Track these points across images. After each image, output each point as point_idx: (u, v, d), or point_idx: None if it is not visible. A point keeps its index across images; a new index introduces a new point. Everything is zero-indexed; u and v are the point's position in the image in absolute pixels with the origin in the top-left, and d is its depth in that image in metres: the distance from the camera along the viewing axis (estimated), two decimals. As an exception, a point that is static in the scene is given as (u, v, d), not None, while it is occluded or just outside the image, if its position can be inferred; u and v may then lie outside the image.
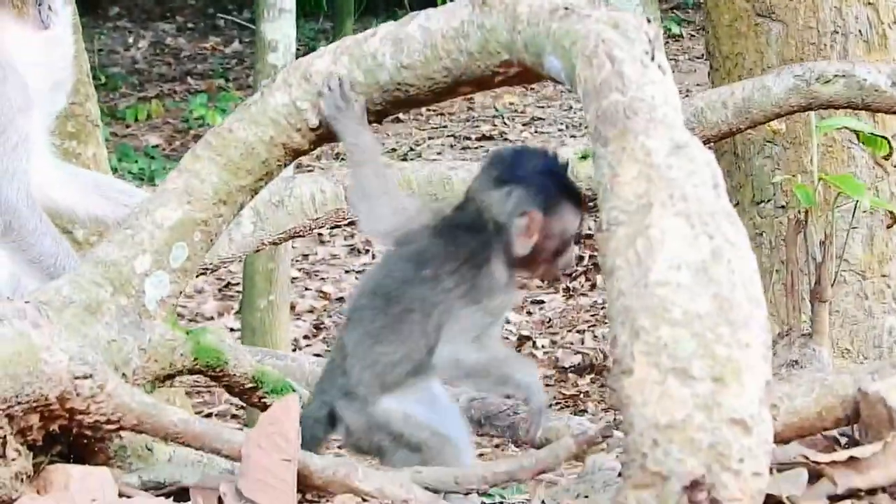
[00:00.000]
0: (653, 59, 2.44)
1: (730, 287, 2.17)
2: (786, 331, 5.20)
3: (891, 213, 4.79)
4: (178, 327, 2.71)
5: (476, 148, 9.26)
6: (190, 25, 15.15)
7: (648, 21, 2.48)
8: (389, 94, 2.73)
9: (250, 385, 2.85)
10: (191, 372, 2.72)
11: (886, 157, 4.97)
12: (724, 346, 2.13)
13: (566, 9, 2.50)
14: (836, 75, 3.53)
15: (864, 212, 5.20)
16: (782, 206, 5.63)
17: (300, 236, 3.93)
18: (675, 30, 11.53)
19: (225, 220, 2.74)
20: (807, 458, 2.67)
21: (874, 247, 5.49)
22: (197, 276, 3.78)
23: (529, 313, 6.82)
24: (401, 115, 10.66)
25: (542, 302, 6.92)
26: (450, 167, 3.69)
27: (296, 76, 2.80)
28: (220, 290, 7.94)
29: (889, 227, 5.07)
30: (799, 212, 4.44)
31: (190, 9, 15.80)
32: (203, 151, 2.77)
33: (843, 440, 3.05)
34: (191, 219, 2.71)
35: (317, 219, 3.79)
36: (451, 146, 9.65)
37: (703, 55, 7.34)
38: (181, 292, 2.77)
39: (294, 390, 2.92)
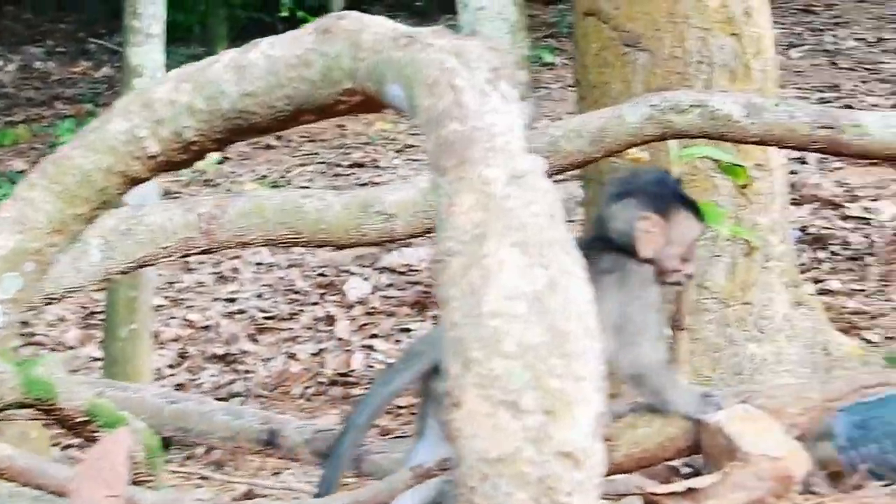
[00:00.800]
0: (495, 87, 2.44)
1: (564, 318, 2.17)
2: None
3: (749, 241, 4.87)
4: (8, 359, 2.66)
5: (348, 175, 9.25)
6: (60, 49, 14.99)
7: (494, 50, 2.49)
8: (231, 122, 2.71)
9: (82, 418, 2.81)
10: (21, 406, 2.68)
11: (744, 186, 5.05)
12: (556, 378, 2.13)
13: (409, 37, 2.50)
14: (691, 105, 3.57)
15: (727, 240, 5.27)
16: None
17: (150, 265, 3.88)
18: (549, 58, 11.62)
19: (60, 250, 2.70)
20: (642, 489, 2.70)
21: (736, 275, 5.55)
22: (47, 305, 3.73)
23: (397, 341, 6.81)
24: (272, 142, 10.62)
25: (410, 330, 6.91)
26: (303, 195, 3.67)
27: (136, 104, 2.77)
28: (83, 318, 7.83)
29: (747, 255, 5.14)
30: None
31: (60, 32, 15.63)
32: (39, 179, 2.73)
33: (687, 470, 3.10)
34: (23, 248, 2.67)
35: (167, 247, 3.75)
36: (323, 173, 9.63)
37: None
38: (17, 323, 2.73)
39: (128, 423, 2.88)
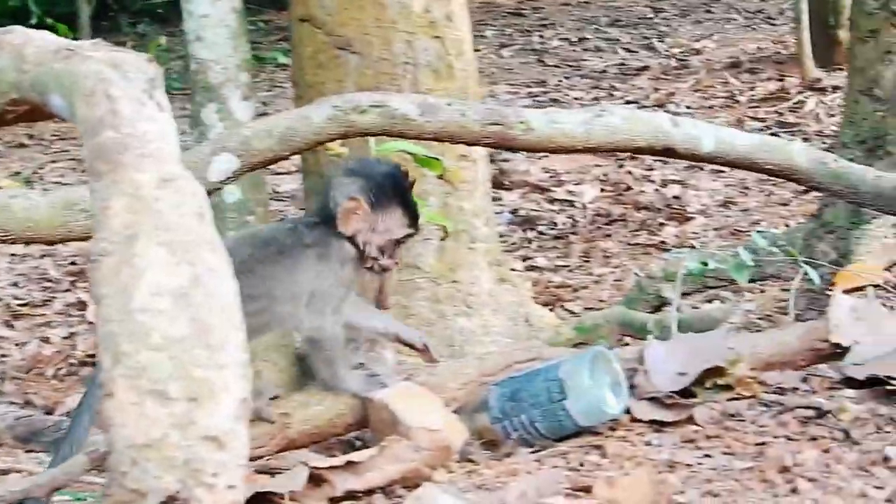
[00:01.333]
0: (151, 97, 2.40)
1: (208, 312, 2.15)
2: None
3: (443, 227, 4.90)
4: None
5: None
6: None
7: (150, 61, 2.44)
8: None
9: None
10: None
11: (440, 176, 5.08)
12: (200, 367, 2.11)
13: (69, 50, 2.44)
14: (371, 105, 3.56)
15: (437, 227, 5.29)
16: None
17: None
18: (283, 59, 11.56)
19: None
20: (307, 463, 2.69)
21: (444, 256, 5.58)
22: None
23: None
24: (25, 141, 10.33)
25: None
26: (10, 195, 3.56)
27: None
28: None
29: (442, 239, 5.17)
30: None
31: None
32: None
33: (359, 444, 3.11)
34: None
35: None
36: (73, 169, 9.38)
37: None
38: None
39: None
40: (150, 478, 2.05)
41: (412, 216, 3.35)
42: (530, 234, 7.60)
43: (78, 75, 2.38)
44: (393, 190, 3.33)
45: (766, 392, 3.31)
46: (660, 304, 5.60)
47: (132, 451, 2.06)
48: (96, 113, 2.33)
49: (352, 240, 3.29)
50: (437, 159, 4.42)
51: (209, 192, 3.63)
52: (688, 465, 2.88)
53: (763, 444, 2.98)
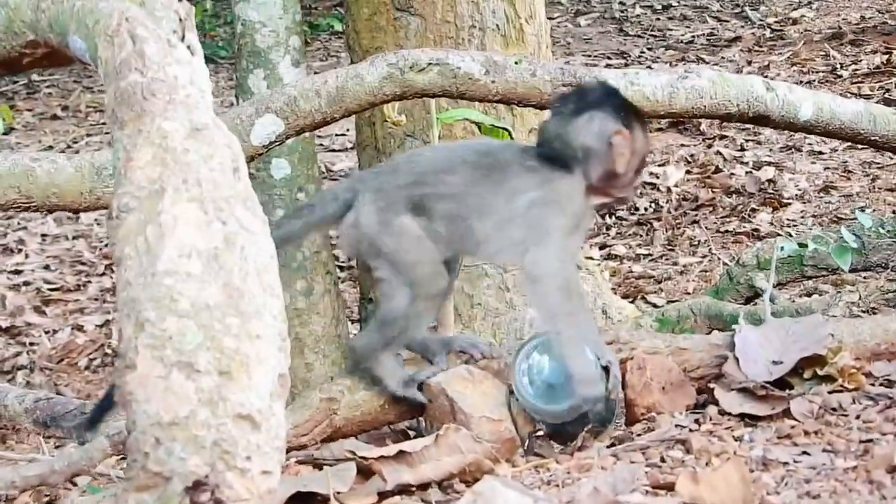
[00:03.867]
0: (182, 38, 2.34)
1: (242, 276, 2.09)
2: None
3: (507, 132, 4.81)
4: None
5: (136, 146, 9.03)
6: None
7: (179, 0, 2.38)
8: (-82, 77, 2.58)
9: None
10: None
11: (508, 150, 5.00)
12: (232, 337, 2.04)
13: (92, -14, 2.39)
14: (429, 63, 3.49)
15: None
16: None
17: None
18: (338, 26, 11.52)
19: None
20: (354, 453, 2.62)
21: (513, 241, 5.52)
22: None
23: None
24: (59, 112, 10.36)
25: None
26: (33, 158, 3.52)
27: None
28: None
29: None
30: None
31: None
32: None
33: (413, 433, 3.04)
34: None
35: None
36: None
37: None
38: None
39: None
40: (175, 459, 1.99)
41: (643, 119, 3.31)
42: (609, 220, 7.51)
43: (100, 13, 2.33)
44: (625, 105, 3.27)
45: (872, 384, 3.22)
46: (752, 296, 5.49)
47: (156, 429, 2.00)
48: (120, 55, 2.28)
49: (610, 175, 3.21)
50: (507, 130, 4.35)
51: (252, 158, 3.59)
52: (783, 463, 2.79)
53: (869, 441, 2.89)
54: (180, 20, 2.34)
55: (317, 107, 3.49)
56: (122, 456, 2.61)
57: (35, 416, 3.34)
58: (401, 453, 2.67)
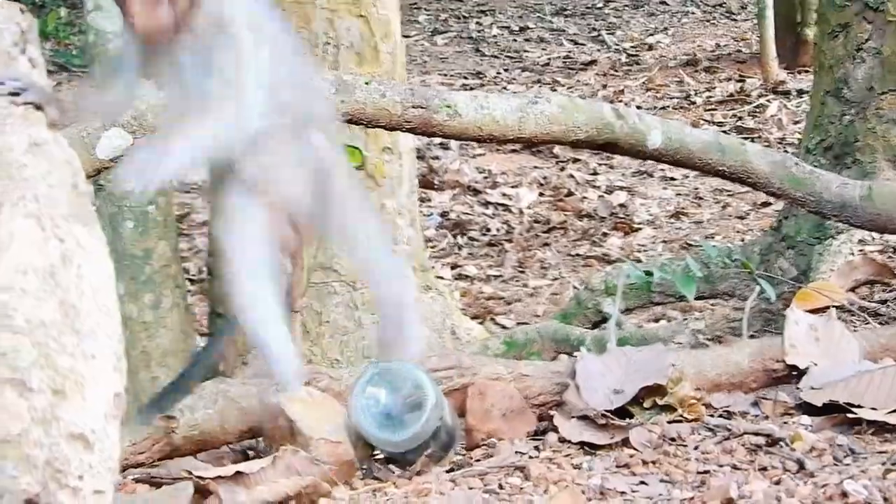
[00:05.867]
0: (23, 51, 2.35)
1: (78, 294, 2.10)
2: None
3: (357, 151, 4.83)
4: None
5: None
6: None
7: (22, 12, 2.38)
8: None
9: None
10: None
11: (359, 167, 5.04)
12: (67, 356, 2.05)
13: (-71, -5, 2.38)
14: (280, 82, 3.51)
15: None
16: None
17: None
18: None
19: None
20: (191, 473, 2.63)
21: (362, 259, 5.54)
22: None
23: None
24: None
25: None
26: None
27: None
28: None
29: (358, 168, 5.08)
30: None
31: None
32: None
33: (252, 454, 3.06)
34: None
35: None
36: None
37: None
38: None
39: None
40: (5, 478, 1.99)
41: None
42: (461, 240, 7.57)
43: (-61, 26, 2.31)
44: None
45: (711, 415, 3.29)
46: (600, 320, 5.59)
47: (-14, 447, 2.00)
48: (-41, 66, 2.27)
49: None
50: (357, 148, 4.39)
51: (99, 172, 3.58)
52: (621, 492, 2.85)
53: (706, 472, 2.95)
54: (22, 32, 2.34)
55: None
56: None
57: None
58: (238, 474, 2.69)
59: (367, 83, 3.55)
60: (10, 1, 2.35)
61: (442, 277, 6.70)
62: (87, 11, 5.40)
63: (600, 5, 12.58)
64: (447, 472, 2.98)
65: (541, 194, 8.01)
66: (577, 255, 7.31)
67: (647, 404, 3.28)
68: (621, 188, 8.03)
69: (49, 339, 2.05)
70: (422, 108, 3.56)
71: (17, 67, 2.30)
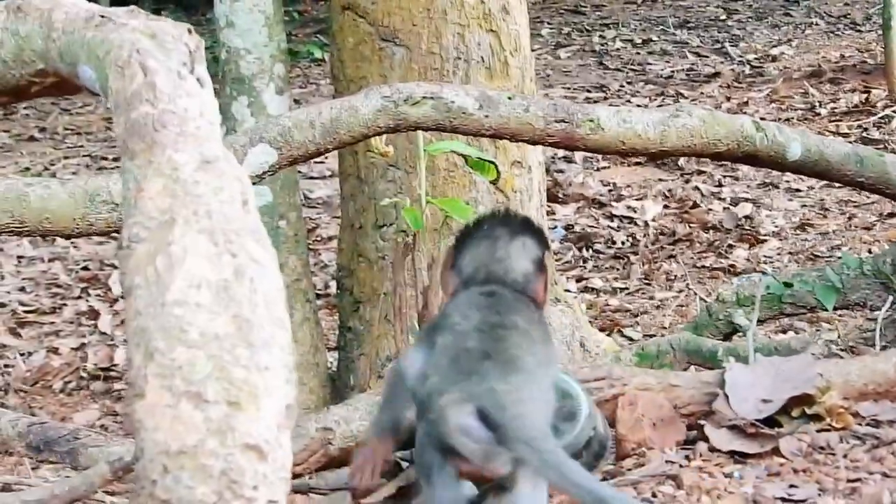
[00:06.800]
0: (192, 71, 2.38)
1: (251, 307, 2.12)
2: (394, 354, 5.22)
3: (493, 166, 4.84)
4: None
5: (112, 168, 9.06)
6: None
7: (189, 32, 2.43)
8: (-76, 103, 2.61)
9: None
10: None
11: (494, 182, 5.05)
12: (241, 368, 2.08)
13: (102, 17, 2.43)
14: (424, 97, 3.54)
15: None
16: (404, 231, 5.65)
17: None
18: (319, 54, 11.58)
19: None
20: (349, 485, 2.66)
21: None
22: None
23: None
24: (35, 134, 10.37)
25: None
26: (27, 183, 3.56)
27: None
28: None
29: (493, 182, 5.08)
30: (407, 235, 4.47)
31: None
32: None
33: (407, 465, 3.07)
34: None
35: None
36: (88, 166, 9.41)
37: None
38: None
39: None
40: (182, 488, 2.02)
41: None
42: (586, 253, 7.58)
43: (112, 44, 2.36)
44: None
45: (859, 424, 3.27)
46: (730, 332, 5.55)
47: (164, 457, 2.03)
48: (131, 86, 2.31)
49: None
50: (493, 163, 4.40)
51: (243, 188, 3.63)
52: (775, 498, 2.85)
53: (857, 480, 2.94)
54: (190, 52, 2.38)
55: (310, 137, 3.53)
56: (120, 480, 2.65)
57: (28, 440, 3.36)
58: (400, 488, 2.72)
59: (510, 98, 3.57)
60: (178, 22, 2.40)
61: (569, 290, 6.71)
62: (219, 28, 5.49)
63: (724, 17, 12.50)
64: (601, 479, 2.99)
65: (666, 206, 7.99)
66: (703, 266, 7.28)
67: (795, 413, 3.26)
68: (746, 200, 7.98)
69: (223, 352, 2.08)
70: (565, 122, 3.57)
71: (187, 85, 2.34)
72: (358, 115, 3.53)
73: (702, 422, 3.23)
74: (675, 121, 3.70)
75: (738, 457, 3.10)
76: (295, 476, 3.02)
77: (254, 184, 3.64)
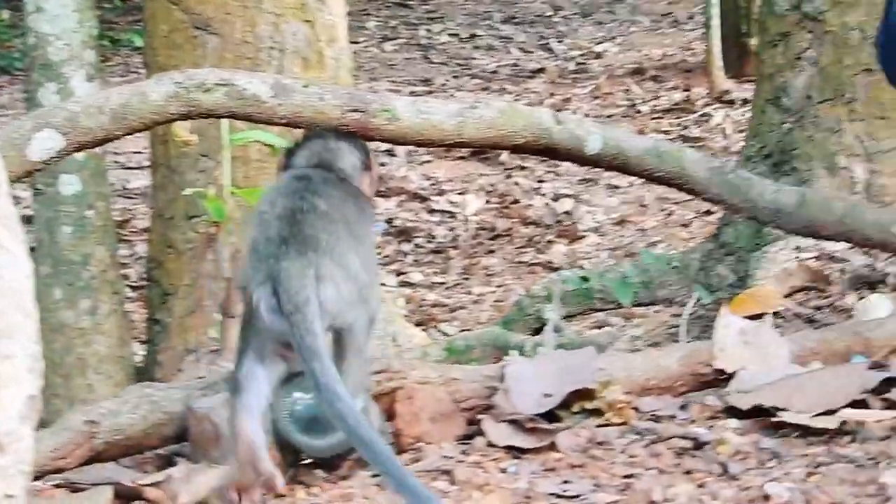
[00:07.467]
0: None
1: (-4, 295, 2.07)
2: (194, 347, 5.16)
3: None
4: None
5: None
6: None
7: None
8: None
9: None
10: None
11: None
12: (-17, 357, 2.02)
13: None
14: (217, 84, 3.46)
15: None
16: (216, 222, 5.57)
17: None
18: (139, 42, 11.40)
19: None
20: (112, 479, 2.62)
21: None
22: None
23: None
24: None
25: None
26: None
27: None
28: None
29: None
30: (210, 226, 4.41)
31: None
32: None
33: (177, 459, 3.03)
34: None
35: None
36: None
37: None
38: None
39: None
40: (-85, 480, 1.96)
41: None
42: (406, 247, 7.57)
43: None
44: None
45: (639, 419, 3.28)
46: (541, 327, 5.59)
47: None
48: None
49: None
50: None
51: (30, 174, 3.55)
52: (548, 495, 2.84)
53: (631, 476, 2.95)
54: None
55: (99, 123, 3.44)
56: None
57: None
58: (161, 480, 2.68)
59: (305, 86, 3.52)
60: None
61: (384, 284, 6.69)
62: (27, 13, 5.38)
63: (549, 13, 12.60)
64: (372, 476, 2.96)
65: (487, 202, 8.02)
66: (522, 262, 7.32)
67: (575, 408, 3.27)
68: (567, 196, 8.04)
69: (-36, 340, 2.02)
70: (360, 111, 3.53)
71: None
72: (148, 101, 3.45)
73: (481, 416, 3.21)
74: (473, 112, 3.68)
75: (516, 452, 3.09)
76: (57, 470, 2.96)
77: (39, 170, 3.57)
